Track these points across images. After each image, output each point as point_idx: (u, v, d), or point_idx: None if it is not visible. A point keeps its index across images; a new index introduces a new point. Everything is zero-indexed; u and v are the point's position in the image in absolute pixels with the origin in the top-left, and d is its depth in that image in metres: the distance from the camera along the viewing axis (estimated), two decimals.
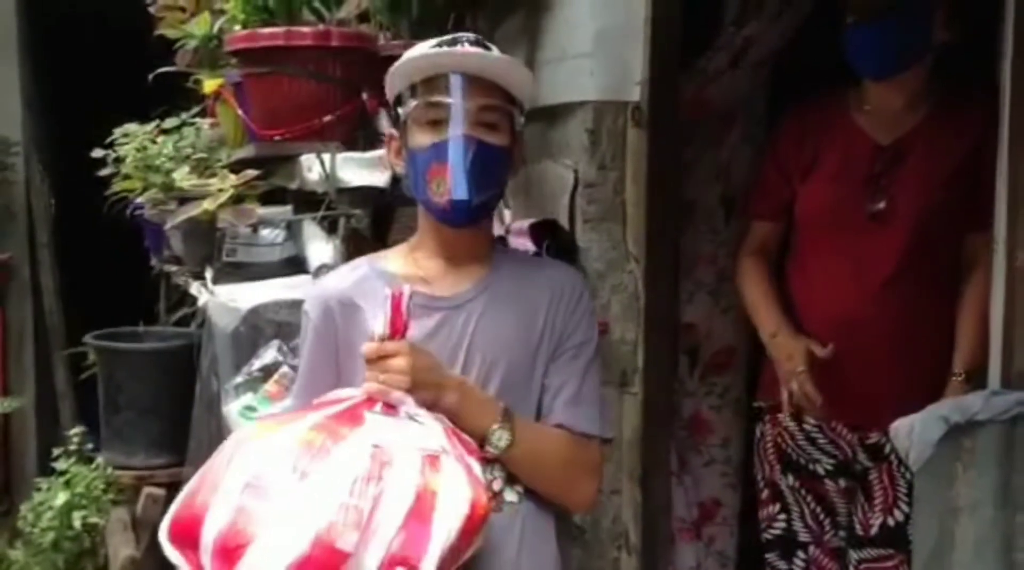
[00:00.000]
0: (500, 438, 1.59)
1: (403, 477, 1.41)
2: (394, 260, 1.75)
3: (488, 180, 1.63)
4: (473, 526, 1.44)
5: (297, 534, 1.36)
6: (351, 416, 1.50)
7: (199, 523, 1.42)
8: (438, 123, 1.62)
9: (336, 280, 1.77)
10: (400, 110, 1.67)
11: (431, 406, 1.55)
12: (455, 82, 1.60)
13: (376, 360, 1.54)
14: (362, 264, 1.77)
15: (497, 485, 1.64)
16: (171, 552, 1.47)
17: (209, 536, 1.40)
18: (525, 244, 2.16)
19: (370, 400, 1.52)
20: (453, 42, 1.65)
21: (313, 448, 1.43)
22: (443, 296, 1.69)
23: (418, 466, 1.43)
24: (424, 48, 1.67)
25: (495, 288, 1.70)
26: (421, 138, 1.64)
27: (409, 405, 1.51)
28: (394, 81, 1.67)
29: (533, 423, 1.67)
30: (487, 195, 1.65)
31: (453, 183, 1.60)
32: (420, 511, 1.39)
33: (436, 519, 1.40)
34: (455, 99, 1.60)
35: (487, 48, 1.66)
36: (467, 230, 1.68)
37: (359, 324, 1.68)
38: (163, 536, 1.47)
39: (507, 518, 1.63)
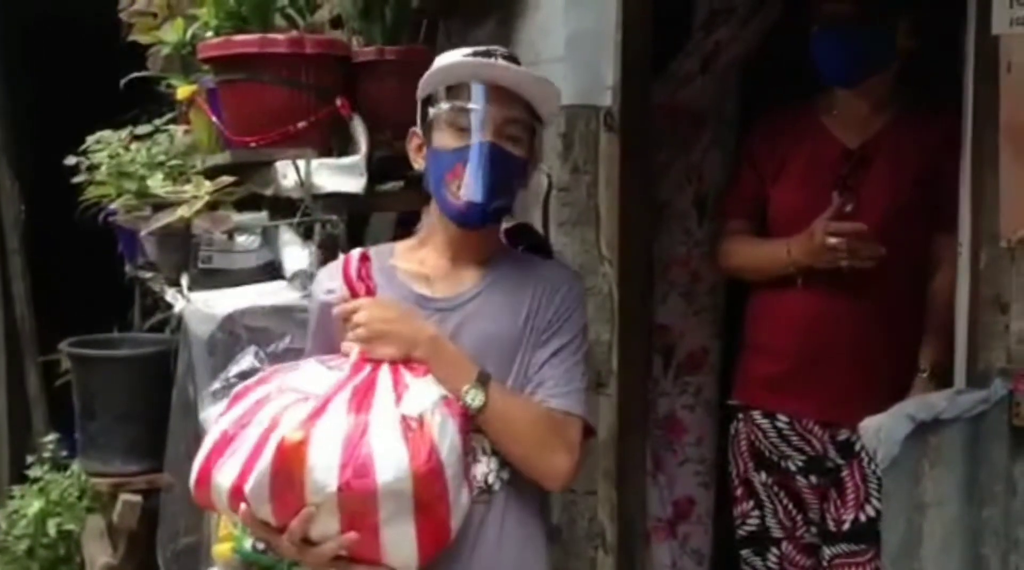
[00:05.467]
0: (474, 398, 1.64)
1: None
2: (401, 255, 1.82)
3: (504, 187, 1.72)
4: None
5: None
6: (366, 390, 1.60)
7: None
8: (464, 129, 1.70)
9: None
10: (430, 110, 1.75)
11: (403, 359, 1.64)
12: (484, 92, 1.69)
13: (345, 321, 1.66)
14: (370, 257, 1.79)
15: (491, 478, 1.69)
16: (205, 502, 1.64)
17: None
18: None
19: (362, 360, 1.63)
20: (487, 54, 1.74)
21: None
22: (440, 297, 1.76)
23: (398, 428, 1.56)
24: (458, 55, 1.75)
25: (490, 290, 1.76)
26: (446, 140, 1.72)
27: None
28: (428, 82, 1.75)
29: (512, 391, 1.71)
30: (500, 202, 1.74)
31: (471, 186, 1.69)
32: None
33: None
34: (482, 107, 1.69)
35: (517, 63, 1.75)
36: (475, 233, 1.75)
37: None
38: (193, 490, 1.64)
39: (485, 507, 1.68)
